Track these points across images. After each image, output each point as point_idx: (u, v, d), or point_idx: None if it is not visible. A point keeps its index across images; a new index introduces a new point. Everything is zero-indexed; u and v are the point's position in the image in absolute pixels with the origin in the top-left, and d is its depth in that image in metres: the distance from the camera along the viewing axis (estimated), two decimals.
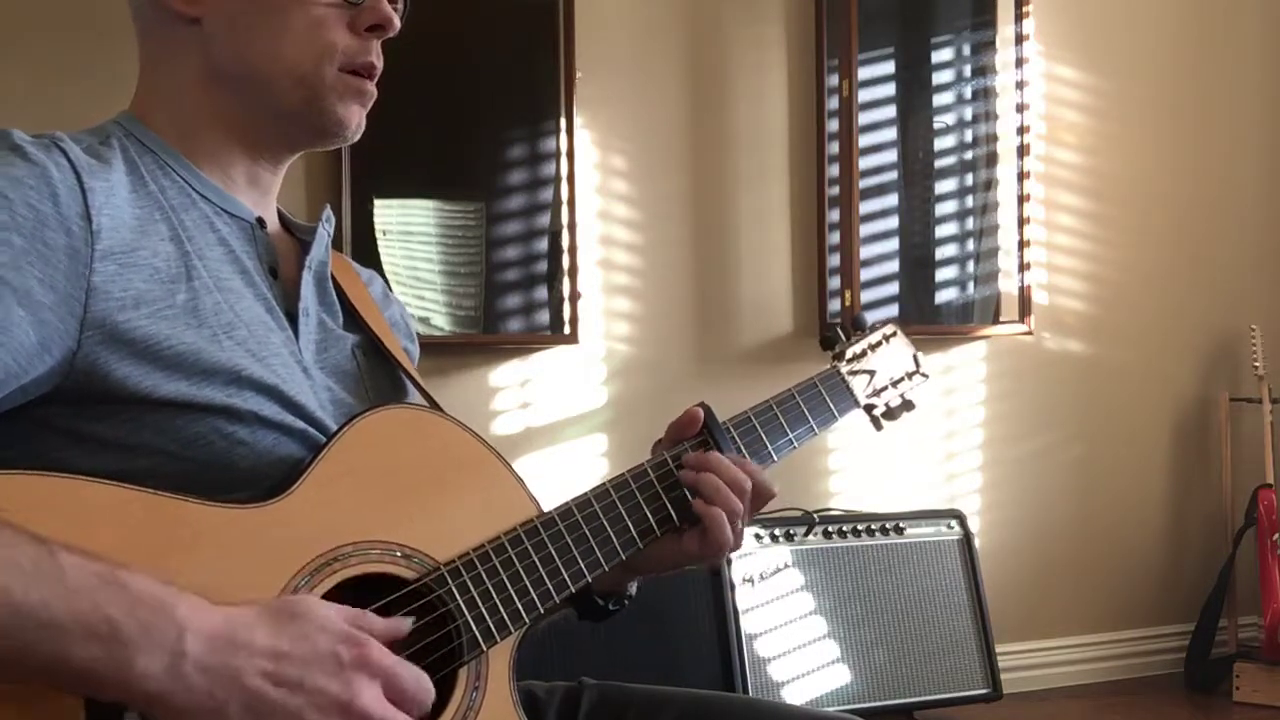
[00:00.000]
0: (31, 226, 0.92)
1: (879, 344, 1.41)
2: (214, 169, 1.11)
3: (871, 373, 1.39)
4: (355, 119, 1.13)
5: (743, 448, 1.23)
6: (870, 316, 1.46)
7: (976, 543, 2.81)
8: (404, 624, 0.96)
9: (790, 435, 1.28)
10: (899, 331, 1.44)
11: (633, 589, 1.25)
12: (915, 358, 1.44)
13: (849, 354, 1.39)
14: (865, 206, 2.98)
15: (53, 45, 2.40)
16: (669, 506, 1.17)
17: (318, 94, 1.09)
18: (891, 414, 1.42)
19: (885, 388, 1.40)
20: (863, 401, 1.38)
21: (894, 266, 3.06)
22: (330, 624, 0.89)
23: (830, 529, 2.66)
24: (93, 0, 2.38)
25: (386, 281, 1.39)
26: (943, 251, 3.13)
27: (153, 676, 0.83)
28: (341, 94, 1.10)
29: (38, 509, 0.87)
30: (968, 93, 3.18)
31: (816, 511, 2.69)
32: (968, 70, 3.19)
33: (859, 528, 2.68)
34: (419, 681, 0.93)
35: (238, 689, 0.85)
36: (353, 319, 1.20)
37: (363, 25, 1.11)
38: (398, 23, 1.13)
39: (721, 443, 1.21)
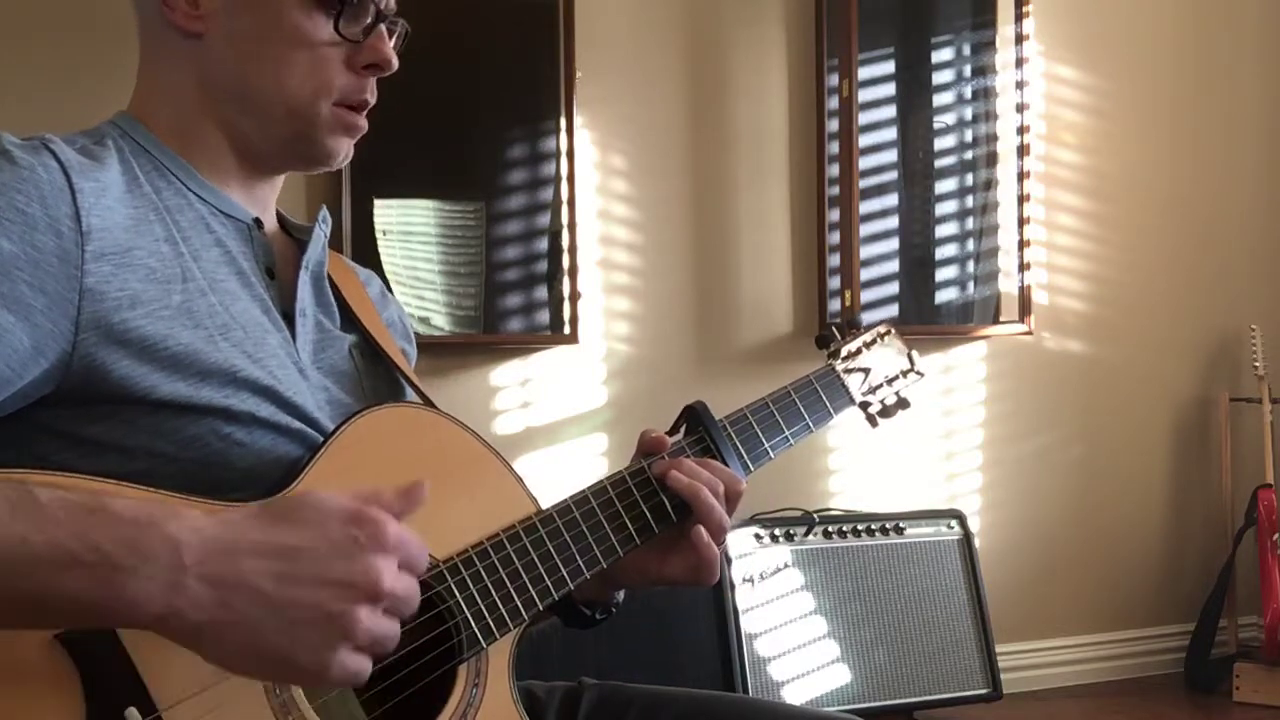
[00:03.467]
0: (19, 230, 0.92)
1: (873, 342, 1.42)
2: (211, 172, 1.11)
3: (866, 371, 1.40)
4: (343, 150, 1.15)
5: (739, 445, 1.24)
6: (870, 316, 1.47)
7: (976, 543, 2.81)
8: (420, 490, 0.90)
9: (787, 433, 1.28)
10: (893, 330, 1.45)
11: (619, 596, 1.25)
12: (910, 356, 1.45)
13: (844, 352, 1.40)
14: (865, 206, 2.97)
15: (52, 46, 2.40)
16: (666, 504, 1.17)
17: (310, 126, 1.11)
18: (887, 412, 1.42)
19: (880, 385, 1.41)
20: (858, 399, 1.38)
21: (894, 266, 3.06)
22: (335, 506, 0.85)
23: (830, 529, 2.65)
24: (93, 1, 2.39)
25: (386, 282, 1.39)
26: (943, 251, 3.13)
27: (153, 597, 0.79)
28: (332, 128, 1.12)
29: None
30: (968, 93, 3.18)
31: (816, 511, 2.68)
32: (968, 70, 3.19)
33: (859, 528, 2.68)
34: (423, 551, 0.88)
35: (251, 594, 0.81)
36: (350, 319, 1.20)
37: (361, 64, 1.12)
38: (395, 63, 1.14)
39: (718, 440, 1.21)
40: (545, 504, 1.12)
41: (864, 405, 1.40)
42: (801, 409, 1.30)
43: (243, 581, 0.81)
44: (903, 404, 1.43)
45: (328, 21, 1.09)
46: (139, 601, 0.79)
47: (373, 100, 1.14)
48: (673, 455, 1.19)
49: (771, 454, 1.26)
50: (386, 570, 0.83)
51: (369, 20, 1.11)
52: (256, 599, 0.80)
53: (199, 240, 1.06)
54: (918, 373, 1.44)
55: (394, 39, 1.15)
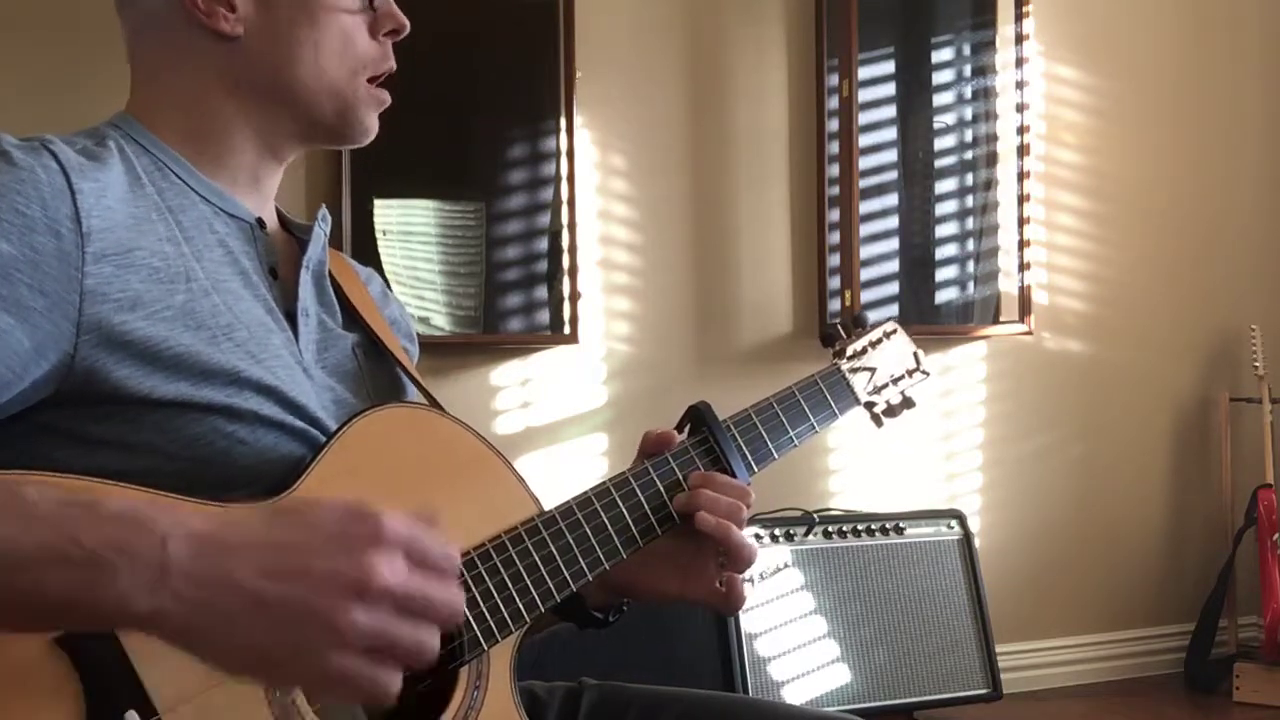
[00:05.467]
0: (19, 232, 0.92)
1: (879, 341, 1.41)
2: (217, 170, 1.11)
3: (872, 370, 1.38)
4: (376, 125, 1.17)
5: (743, 446, 1.23)
6: (870, 316, 1.46)
7: (976, 543, 2.81)
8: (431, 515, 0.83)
9: (791, 433, 1.27)
10: (899, 329, 1.43)
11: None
12: (916, 355, 1.43)
13: (849, 351, 1.38)
14: (865, 206, 2.97)
15: (50, 46, 2.39)
16: (670, 505, 1.17)
17: (351, 106, 1.13)
18: (892, 411, 1.41)
19: (886, 385, 1.39)
20: (863, 399, 1.37)
21: (894, 266, 3.06)
22: (334, 505, 0.80)
23: (830, 529, 2.65)
24: (91, 1, 2.38)
25: (386, 281, 1.39)
26: (943, 251, 3.13)
27: (138, 596, 0.76)
28: (368, 104, 1.15)
29: None
30: (968, 93, 3.18)
31: (816, 511, 2.68)
32: (968, 70, 3.19)
33: (859, 528, 2.68)
34: (445, 549, 0.81)
35: (236, 593, 0.76)
36: (352, 318, 1.20)
37: (381, 31, 1.15)
38: (408, 24, 1.17)
39: (722, 441, 1.21)
40: (547, 505, 1.12)
41: (869, 405, 1.39)
42: (806, 409, 1.29)
43: (227, 580, 0.76)
44: (908, 403, 1.41)
45: None
46: (124, 601, 0.76)
47: (394, 67, 1.16)
48: (676, 457, 1.19)
49: (776, 455, 1.26)
50: (382, 565, 0.76)
51: None
52: (239, 597, 0.76)
53: (202, 240, 1.05)
54: (924, 372, 1.43)
55: None
